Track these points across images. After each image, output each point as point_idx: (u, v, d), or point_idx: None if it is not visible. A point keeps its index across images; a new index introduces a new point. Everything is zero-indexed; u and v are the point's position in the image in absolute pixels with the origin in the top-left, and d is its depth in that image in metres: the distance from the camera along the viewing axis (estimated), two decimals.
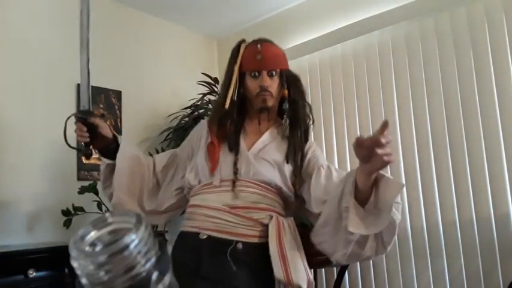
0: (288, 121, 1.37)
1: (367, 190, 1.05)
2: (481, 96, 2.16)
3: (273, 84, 1.34)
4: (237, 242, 1.19)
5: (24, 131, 2.33)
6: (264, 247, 1.18)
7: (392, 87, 2.49)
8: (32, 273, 1.85)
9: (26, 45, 2.40)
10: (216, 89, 2.82)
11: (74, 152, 2.44)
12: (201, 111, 2.80)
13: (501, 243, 2.06)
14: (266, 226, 1.22)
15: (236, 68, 1.35)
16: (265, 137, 1.38)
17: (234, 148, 1.31)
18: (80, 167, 2.53)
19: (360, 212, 1.05)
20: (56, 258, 1.95)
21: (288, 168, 1.31)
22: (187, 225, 1.30)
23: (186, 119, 2.82)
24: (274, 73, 1.35)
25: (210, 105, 2.81)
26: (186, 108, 2.92)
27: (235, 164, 1.28)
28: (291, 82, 1.41)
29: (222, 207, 1.22)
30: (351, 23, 2.66)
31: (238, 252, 1.19)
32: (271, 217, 1.23)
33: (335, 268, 2.44)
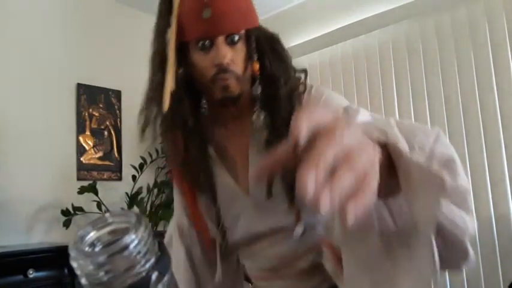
0: (263, 115, 0.83)
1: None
2: (482, 96, 2.16)
3: (236, 57, 0.78)
4: None
5: (24, 131, 2.33)
6: None
7: (392, 87, 2.49)
8: (32, 274, 1.85)
9: (26, 45, 2.40)
10: None
11: (74, 151, 2.45)
12: None
13: (501, 243, 2.06)
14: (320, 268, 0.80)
15: (172, 35, 0.78)
16: (253, 153, 0.84)
17: (210, 198, 0.88)
18: (80, 166, 2.52)
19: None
20: (55, 258, 1.95)
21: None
22: None
23: None
24: (236, 38, 0.78)
25: None
26: None
27: (219, 225, 0.86)
28: (265, 47, 0.82)
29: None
30: (351, 23, 2.66)
31: None
32: (320, 253, 0.79)
33: None
